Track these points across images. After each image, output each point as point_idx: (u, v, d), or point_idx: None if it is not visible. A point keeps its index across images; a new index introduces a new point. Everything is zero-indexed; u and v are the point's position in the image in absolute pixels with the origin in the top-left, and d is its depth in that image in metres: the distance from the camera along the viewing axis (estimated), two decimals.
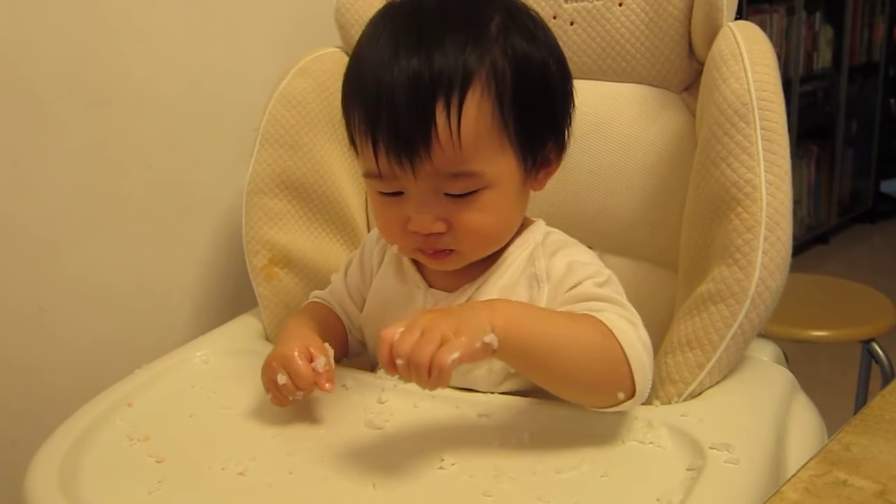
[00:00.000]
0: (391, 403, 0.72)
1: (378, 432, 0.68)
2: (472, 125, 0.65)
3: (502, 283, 0.73)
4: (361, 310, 0.83)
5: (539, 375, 0.65)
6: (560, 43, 0.90)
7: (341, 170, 0.96)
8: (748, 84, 0.71)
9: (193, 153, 1.05)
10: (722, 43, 0.75)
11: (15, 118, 0.90)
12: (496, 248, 0.73)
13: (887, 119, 3.43)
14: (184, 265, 1.07)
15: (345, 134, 1.01)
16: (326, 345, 0.71)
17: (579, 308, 0.67)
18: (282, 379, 0.68)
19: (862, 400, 1.56)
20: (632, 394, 0.63)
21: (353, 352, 0.84)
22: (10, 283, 0.92)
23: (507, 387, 0.73)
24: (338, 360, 0.77)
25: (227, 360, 0.82)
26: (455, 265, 0.72)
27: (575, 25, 0.89)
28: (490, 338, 0.58)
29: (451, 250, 0.70)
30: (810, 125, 3.01)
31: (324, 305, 0.84)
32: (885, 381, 1.44)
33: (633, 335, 0.64)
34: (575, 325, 0.64)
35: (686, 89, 0.86)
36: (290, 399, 0.69)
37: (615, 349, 0.63)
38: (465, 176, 0.66)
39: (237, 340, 0.87)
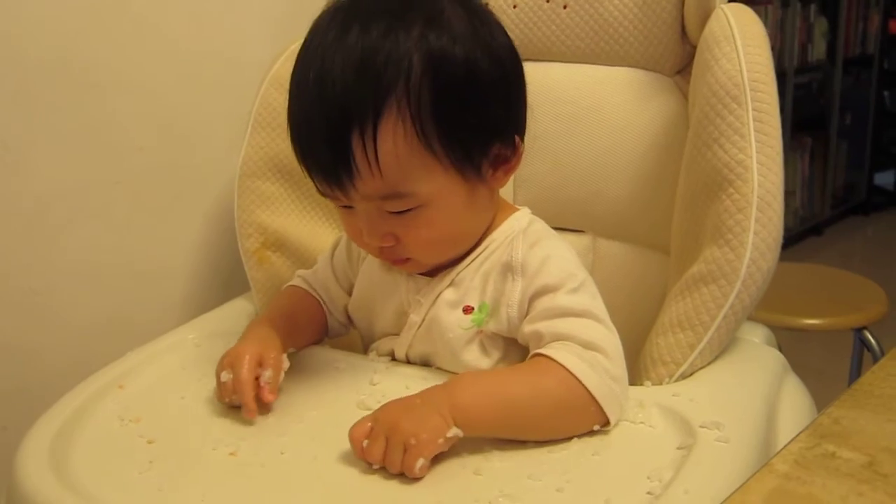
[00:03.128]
0: (383, 385, 0.72)
1: (370, 413, 0.68)
2: (390, 152, 0.63)
3: (483, 269, 0.72)
4: (348, 292, 0.82)
5: (512, 436, 0.63)
6: (553, 26, 0.90)
7: None
8: (740, 65, 0.71)
9: (186, 136, 1.04)
10: (714, 25, 0.75)
11: (5, 100, 0.89)
12: (458, 253, 0.72)
13: (881, 112, 3.44)
14: (176, 249, 1.06)
15: None
16: (284, 357, 0.70)
17: (550, 326, 0.66)
18: (225, 377, 0.68)
19: None
20: (605, 422, 0.63)
21: (334, 333, 0.84)
22: (1, 266, 0.92)
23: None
24: (315, 343, 0.80)
25: (219, 342, 0.81)
26: (417, 269, 0.73)
27: (568, 9, 0.89)
28: (453, 432, 0.59)
29: (408, 258, 0.70)
30: (805, 117, 3.01)
31: (304, 292, 0.83)
32: None
33: (591, 371, 0.62)
34: (535, 383, 0.63)
35: (679, 72, 0.87)
36: (227, 399, 0.68)
37: (579, 393, 0.62)
38: (395, 197, 0.65)
39: (229, 323, 0.86)
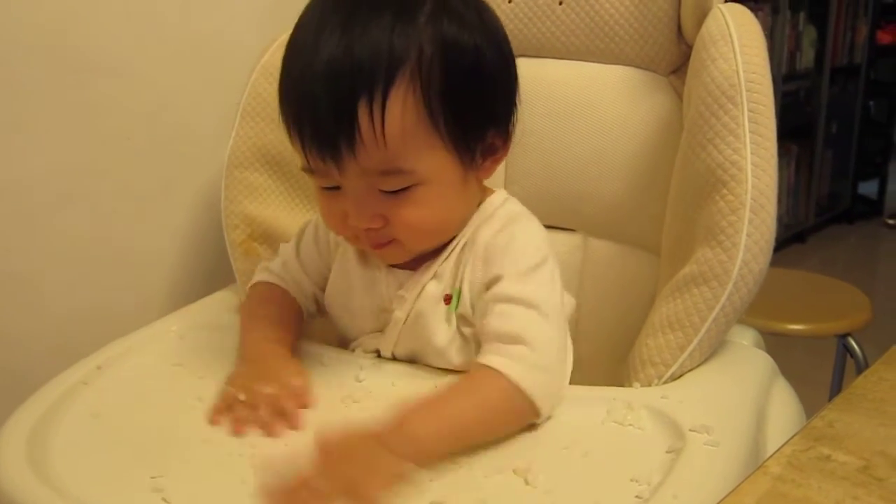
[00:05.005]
0: (369, 382, 0.71)
1: (355, 409, 0.67)
2: (398, 123, 0.62)
3: (459, 256, 0.71)
4: (319, 284, 0.80)
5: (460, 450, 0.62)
6: (548, 22, 0.90)
7: None
8: (737, 65, 0.70)
9: (174, 126, 1.03)
10: (711, 24, 0.75)
11: None
12: (441, 241, 0.72)
13: (866, 121, 3.47)
14: (162, 238, 1.05)
15: None
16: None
17: (488, 319, 0.66)
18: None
19: (836, 394, 1.57)
20: (537, 415, 0.63)
21: (307, 323, 0.81)
22: None
23: None
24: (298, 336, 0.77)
25: (202, 334, 0.81)
26: (399, 257, 0.71)
27: (563, 5, 0.88)
28: (407, 467, 0.56)
29: (393, 240, 0.69)
30: (791, 125, 3.03)
31: (281, 290, 0.80)
32: None
33: (521, 369, 0.62)
34: (481, 400, 0.62)
35: (674, 72, 0.86)
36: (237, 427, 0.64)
37: (516, 395, 0.62)
38: (394, 173, 0.64)
39: (212, 315, 0.85)
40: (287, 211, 0.93)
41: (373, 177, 0.65)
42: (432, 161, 0.65)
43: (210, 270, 1.06)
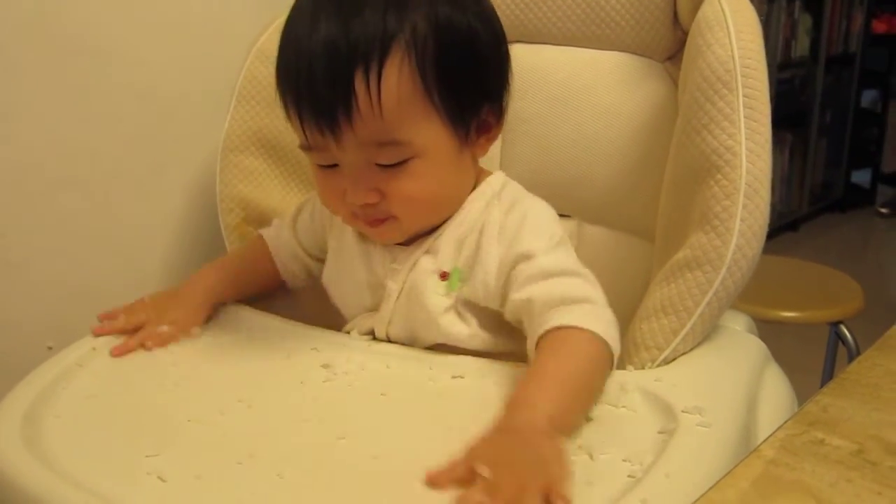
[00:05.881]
0: (363, 363, 0.71)
1: (348, 391, 0.67)
2: (394, 93, 0.64)
3: (459, 233, 0.72)
4: (312, 258, 0.83)
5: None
6: (544, 7, 0.90)
7: None
8: (732, 51, 0.70)
9: (167, 109, 1.03)
10: (707, 10, 0.75)
11: None
12: (438, 219, 0.72)
13: (860, 110, 3.47)
14: (155, 222, 1.05)
15: None
16: (196, 329, 0.76)
17: (538, 291, 0.66)
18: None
19: (828, 381, 1.58)
20: (614, 363, 0.66)
21: (291, 285, 0.86)
22: None
23: (486, 347, 0.73)
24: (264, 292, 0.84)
25: None
26: (395, 235, 0.72)
27: None
28: (563, 444, 0.56)
29: (390, 217, 0.70)
30: (786, 113, 3.03)
31: (263, 249, 0.85)
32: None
33: (599, 323, 0.64)
34: (582, 356, 0.63)
35: (669, 58, 0.86)
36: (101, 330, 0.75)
37: (604, 347, 0.64)
38: (390, 145, 0.66)
39: None
40: (282, 194, 0.93)
41: (370, 150, 0.65)
42: (428, 133, 0.66)
43: (203, 254, 1.06)
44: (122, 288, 1.01)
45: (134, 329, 0.75)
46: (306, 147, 0.68)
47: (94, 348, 0.74)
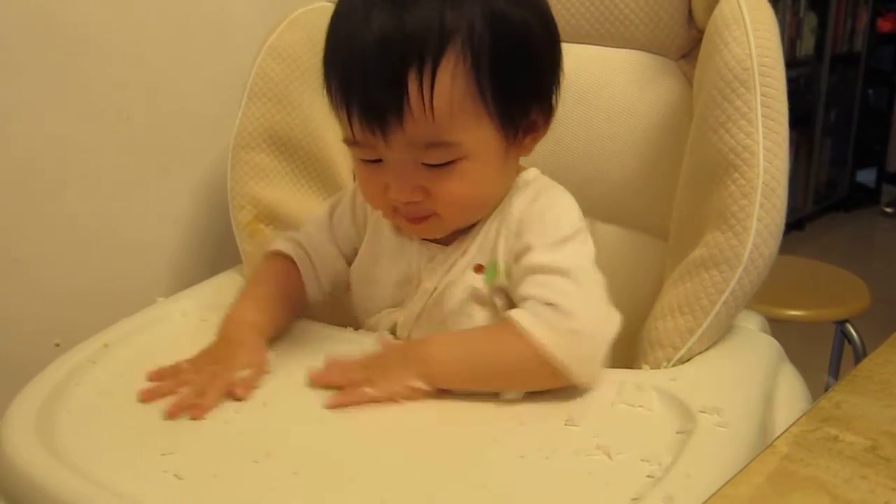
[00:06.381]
0: None
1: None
2: (446, 94, 0.63)
3: (495, 228, 0.72)
4: (346, 257, 0.81)
5: (476, 389, 0.65)
6: (558, 5, 0.89)
7: (330, 126, 0.94)
8: (750, 49, 0.70)
9: (175, 106, 1.02)
10: (724, 7, 0.74)
11: None
12: (477, 216, 0.72)
13: (865, 110, 3.46)
14: (163, 220, 1.04)
15: None
16: (268, 358, 0.70)
17: (523, 287, 0.66)
18: (242, 374, 0.66)
19: (833, 380, 1.58)
20: (569, 378, 0.63)
21: (312, 301, 0.81)
22: None
23: None
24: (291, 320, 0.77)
25: (208, 315, 0.80)
26: (435, 232, 0.72)
27: None
28: (418, 383, 0.64)
29: (432, 215, 0.69)
30: (791, 112, 3.00)
31: (288, 265, 0.79)
32: (858, 362, 1.47)
33: (557, 336, 0.62)
34: (497, 342, 0.65)
35: (684, 57, 0.86)
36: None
37: (538, 352, 0.62)
38: (439, 146, 0.65)
39: (219, 296, 0.85)
40: (293, 192, 0.92)
41: (418, 150, 0.65)
42: (478, 135, 0.66)
43: (212, 254, 1.06)
44: (129, 287, 1.01)
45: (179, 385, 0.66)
46: (351, 142, 0.67)
47: (106, 345, 0.74)
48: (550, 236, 0.68)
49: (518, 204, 0.71)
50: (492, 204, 0.72)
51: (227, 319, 0.73)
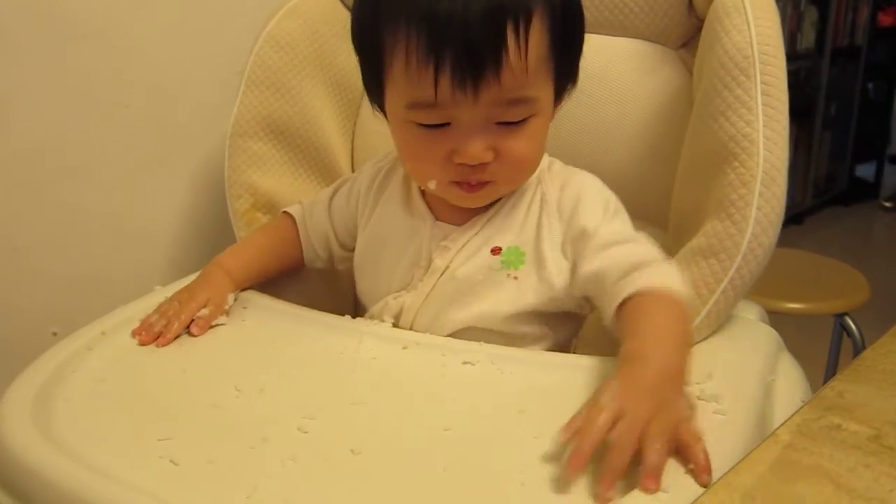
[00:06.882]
0: (372, 349, 0.71)
1: (362, 377, 0.67)
2: (536, 50, 0.64)
3: (515, 213, 0.73)
4: (341, 243, 0.83)
5: None
6: None
7: (328, 115, 0.94)
8: (750, 37, 0.70)
9: (174, 94, 1.02)
10: None
11: None
12: (524, 183, 0.73)
13: (865, 104, 3.46)
14: (161, 209, 1.04)
15: (334, 78, 0.98)
16: (229, 296, 0.76)
17: (609, 260, 0.67)
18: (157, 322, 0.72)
19: (832, 373, 1.58)
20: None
21: (309, 261, 0.86)
22: None
23: (515, 330, 0.73)
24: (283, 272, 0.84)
25: None
26: (485, 199, 0.72)
27: None
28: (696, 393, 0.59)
29: (490, 182, 0.69)
30: (791, 106, 3.01)
31: (289, 229, 0.85)
32: (856, 355, 1.47)
33: (677, 281, 0.65)
34: (677, 314, 0.63)
35: (683, 45, 0.85)
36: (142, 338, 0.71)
37: (687, 306, 0.65)
38: (523, 102, 0.66)
39: None
40: (291, 181, 0.92)
41: (499, 107, 0.65)
42: (547, 92, 0.68)
43: (210, 242, 1.06)
44: (127, 275, 1.01)
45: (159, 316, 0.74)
46: (426, 103, 0.64)
47: (103, 332, 0.73)
48: (602, 213, 0.71)
49: (551, 192, 0.74)
50: (536, 169, 0.73)
51: (212, 261, 0.80)
